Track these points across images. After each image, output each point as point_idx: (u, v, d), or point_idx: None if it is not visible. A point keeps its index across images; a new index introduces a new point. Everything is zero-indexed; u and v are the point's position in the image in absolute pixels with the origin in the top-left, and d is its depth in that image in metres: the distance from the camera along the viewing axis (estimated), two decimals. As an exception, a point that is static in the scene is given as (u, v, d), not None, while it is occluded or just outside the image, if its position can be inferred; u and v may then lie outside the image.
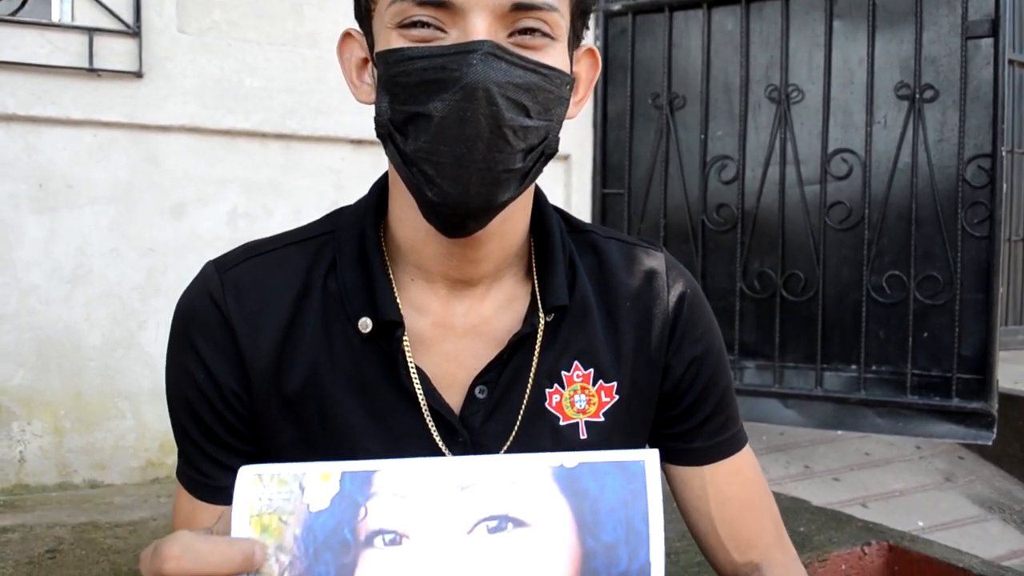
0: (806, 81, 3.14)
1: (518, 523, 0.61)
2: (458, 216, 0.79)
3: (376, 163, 3.08)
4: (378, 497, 0.60)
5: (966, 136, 2.90)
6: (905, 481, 3.63)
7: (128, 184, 2.84)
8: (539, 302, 0.91)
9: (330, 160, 3.07)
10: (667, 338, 0.97)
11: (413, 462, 0.62)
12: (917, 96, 2.97)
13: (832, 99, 3.10)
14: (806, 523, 2.45)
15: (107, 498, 2.75)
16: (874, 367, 3.08)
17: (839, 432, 3.25)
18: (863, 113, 3.05)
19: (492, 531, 0.61)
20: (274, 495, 0.60)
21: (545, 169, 0.85)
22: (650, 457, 0.62)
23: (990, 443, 2.95)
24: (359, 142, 3.08)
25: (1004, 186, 2.89)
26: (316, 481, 0.61)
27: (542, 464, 0.62)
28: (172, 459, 2.92)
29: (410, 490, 0.61)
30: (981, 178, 2.91)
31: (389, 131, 0.80)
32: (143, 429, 2.91)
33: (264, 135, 2.98)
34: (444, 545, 0.60)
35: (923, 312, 3.00)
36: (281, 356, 0.87)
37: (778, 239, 3.18)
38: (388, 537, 0.60)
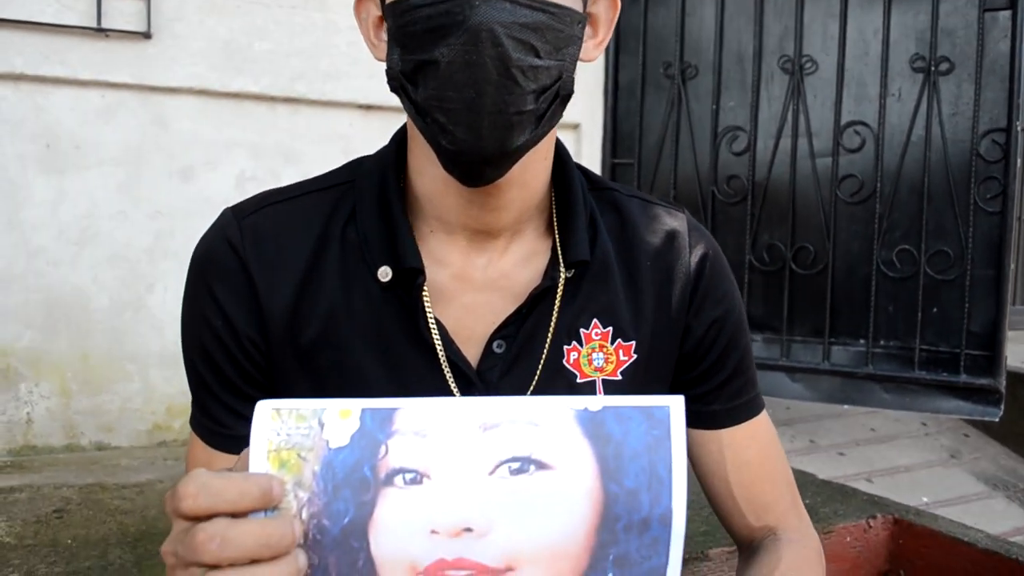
0: (820, 52, 3.11)
1: (540, 465, 0.60)
2: (475, 163, 0.77)
3: (385, 128, 3.05)
4: (399, 435, 0.59)
5: (981, 110, 2.88)
6: (910, 457, 3.63)
7: (136, 146, 2.83)
8: (559, 257, 0.90)
9: (338, 125, 3.05)
10: (688, 299, 0.95)
11: (435, 401, 0.61)
12: (932, 69, 2.94)
13: (846, 71, 3.07)
14: (811, 496, 2.45)
15: (114, 460, 2.76)
16: (882, 342, 3.07)
17: (845, 407, 3.24)
18: (877, 85, 3.02)
19: (514, 473, 0.60)
20: (292, 431, 0.59)
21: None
22: (675, 403, 0.61)
23: (997, 420, 2.94)
24: (368, 107, 3.06)
25: (1019, 161, 2.86)
26: (336, 417, 0.59)
27: (566, 407, 0.61)
28: (179, 423, 2.94)
29: (432, 429, 0.60)
30: (995, 153, 2.88)
31: (401, 83, 0.79)
32: (150, 392, 2.92)
33: (272, 99, 2.96)
34: (465, 485, 0.59)
35: (933, 287, 2.99)
36: (298, 305, 0.87)
37: (788, 212, 3.16)
38: (408, 476, 0.59)
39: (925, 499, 3.22)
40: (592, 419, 0.61)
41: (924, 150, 2.97)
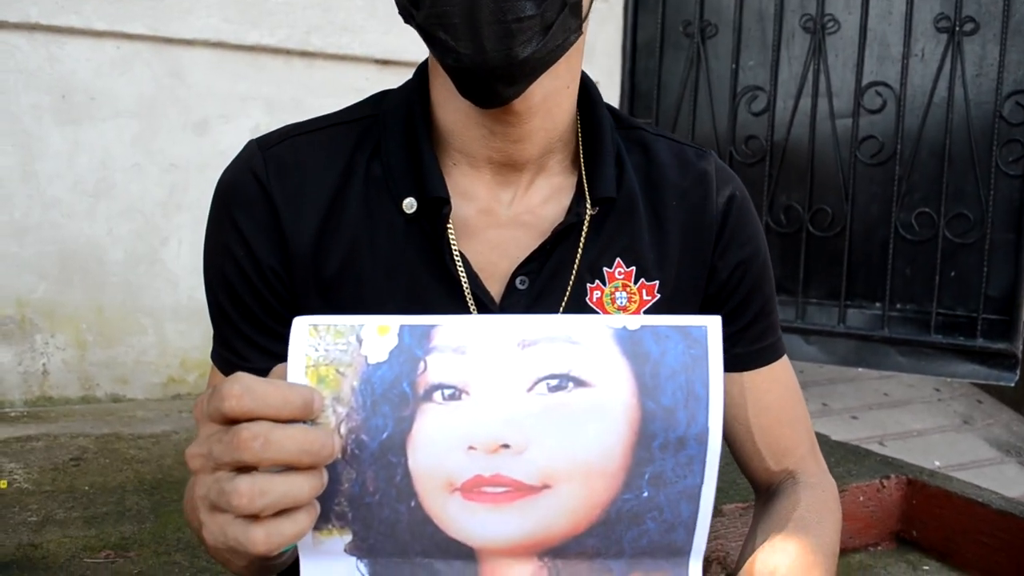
0: (842, 11, 3.06)
1: (579, 383, 0.60)
2: (484, 79, 0.76)
3: (401, 83, 3.03)
4: (438, 352, 0.59)
5: (1005, 71, 2.83)
6: (923, 422, 3.62)
7: (151, 98, 2.82)
8: (585, 193, 0.88)
9: (354, 79, 3.02)
10: (714, 240, 0.94)
11: (474, 318, 0.61)
12: (957, 29, 2.89)
13: (869, 30, 3.02)
14: (825, 455, 2.45)
15: (129, 412, 2.78)
16: (898, 305, 3.05)
17: (859, 370, 3.23)
18: (900, 45, 2.98)
19: (552, 390, 0.59)
20: (330, 346, 0.59)
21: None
22: (713, 323, 0.61)
23: (1012, 384, 2.93)
24: (384, 62, 3.03)
25: (1042, 123, 2.82)
26: (374, 334, 0.59)
27: (604, 325, 0.61)
28: (193, 376, 2.95)
29: (470, 346, 0.59)
30: (1019, 115, 2.84)
31: (407, 8, 0.78)
32: (165, 346, 2.93)
33: (288, 52, 2.94)
34: (504, 401, 0.59)
35: (951, 251, 2.96)
36: (322, 236, 0.86)
37: (807, 173, 3.13)
38: (447, 392, 0.59)
39: (937, 463, 3.21)
40: (630, 337, 0.60)
41: (946, 112, 2.93)
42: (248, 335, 0.88)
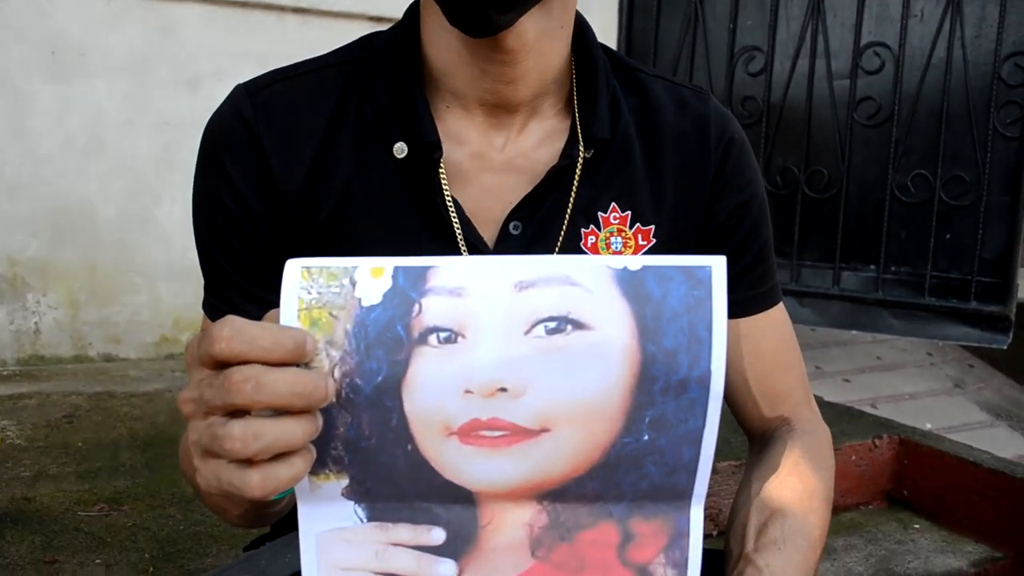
0: (842, -30, 3.03)
1: (577, 325, 0.58)
2: (474, 4, 0.74)
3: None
4: (433, 294, 0.58)
5: (1005, 33, 2.81)
6: (915, 385, 3.64)
7: (143, 54, 2.78)
8: (579, 136, 0.87)
9: (349, 37, 2.94)
10: (711, 183, 0.93)
11: (470, 259, 0.60)
12: (957, -12, 2.86)
13: (868, -10, 2.99)
14: (818, 416, 2.46)
15: (122, 371, 2.78)
16: (893, 268, 3.05)
17: (852, 333, 3.24)
18: (899, 6, 2.95)
19: (550, 332, 0.58)
20: (323, 289, 0.57)
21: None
22: (717, 263, 0.59)
23: (1005, 347, 2.93)
24: (379, 19, 3.00)
25: (1041, 85, 2.81)
26: (367, 276, 0.58)
27: (604, 265, 0.59)
28: (187, 336, 2.94)
29: (466, 287, 0.58)
30: (1017, 76, 2.82)
31: None
32: (158, 305, 2.91)
33: (282, 8, 2.90)
34: (500, 344, 0.58)
35: (947, 213, 2.95)
36: (312, 181, 0.84)
37: (803, 135, 3.12)
38: (443, 335, 0.58)
39: (929, 426, 3.23)
40: (631, 278, 0.59)
41: (945, 73, 2.91)
42: (239, 283, 0.87)
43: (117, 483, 1.86)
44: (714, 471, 2.10)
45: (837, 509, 2.24)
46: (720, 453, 2.14)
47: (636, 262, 0.59)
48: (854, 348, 3.81)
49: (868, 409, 3.16)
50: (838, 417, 2.48)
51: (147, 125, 2.82)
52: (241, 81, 0.88)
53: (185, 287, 2.90)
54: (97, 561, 1.52)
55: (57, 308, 2.82)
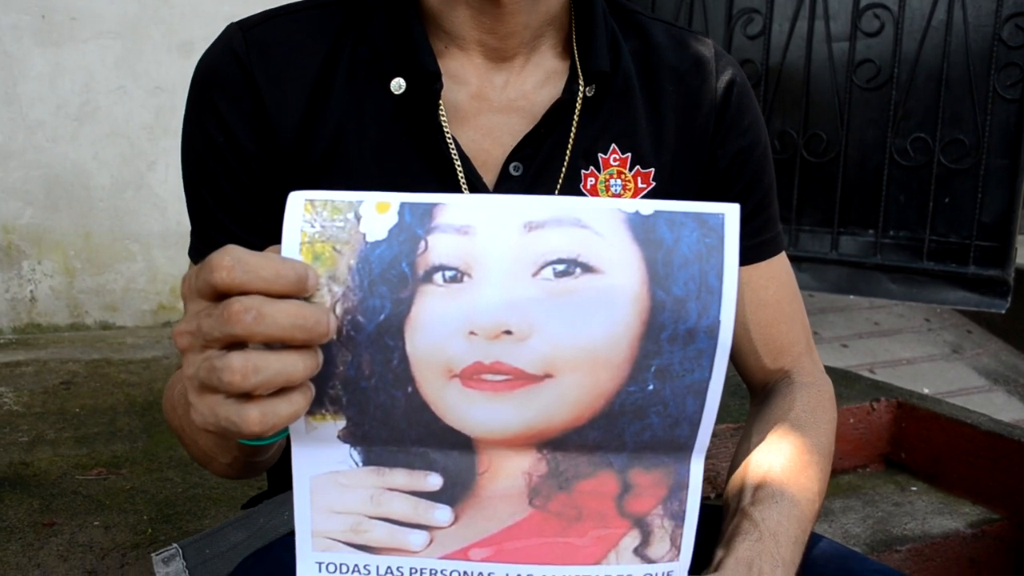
0: (842, -69, 2.99)
1: (586, 268, 0.57)
2: None
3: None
4: (439, 231, 0.56)
5: (1006, -7, 2.78)
6: (913, 351, 3.64)
7: (135, 18, 2.75)
8: (579, 73, 0.86)
9: (343, 1, 2.95)
10: (713, 127, 0.92)
11: (479, 197, 0.58)
12: (958, -51, 2.83)
13: (868, -50, 2.96)
14: (816, 379, 2.46)
15: (119, 338, 2.77)
16: (891, 232, 3.03)
17: (850, 299, 3.23)
18: (899, -34, 2.91)
19: (558, 275, 0.56)
20: (327, 223, 0.56)
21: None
22: (731, 211, 0.58)
23: (1003, 311, 2.93)
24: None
25: (1042, 47, 2.78)
26: (373, 211, 0.56)
27: (616, 209, 0.57)
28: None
29: (474, 226, 0.56)
30: (1018, 38, 2.79)
31: None
32: (154, 272, 2.90)
33: (274, -29, 2.86)
34: (507, 285, 0.56)
35: (946, 177, 2.93)
36: (307, 120, 0.83)
37: (802, 98, 3.09)
38: (448, 274, 0.56)
39: (926, 390, 3.23)
40: (643, 223, 0.57)
41: (944, 35, 2.88)
42: (230, 227, 0.85)
43: (115, 447, 1.86)
44: (713, 434, 2.10)
45: (835, 472, 2.24)
46: (719, 416, 2.14)
47: (648, 207, 0.58)
48: (852, 314, 3.81)
49: (866, 375, 3.17)
50: (836, 381, 2.46)
51: (140, 90, 2.79)
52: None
53: (181, 254, 2.88)
54: (96, 523, 1.52)
55: (53, 276, 2.81)
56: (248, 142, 0.83)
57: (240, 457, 0.75)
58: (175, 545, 1.03)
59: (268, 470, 0.96)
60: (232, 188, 0.84)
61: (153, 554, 1.03)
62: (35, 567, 1.37)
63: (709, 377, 0.59)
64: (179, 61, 2.79)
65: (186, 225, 0.91)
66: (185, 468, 1.76)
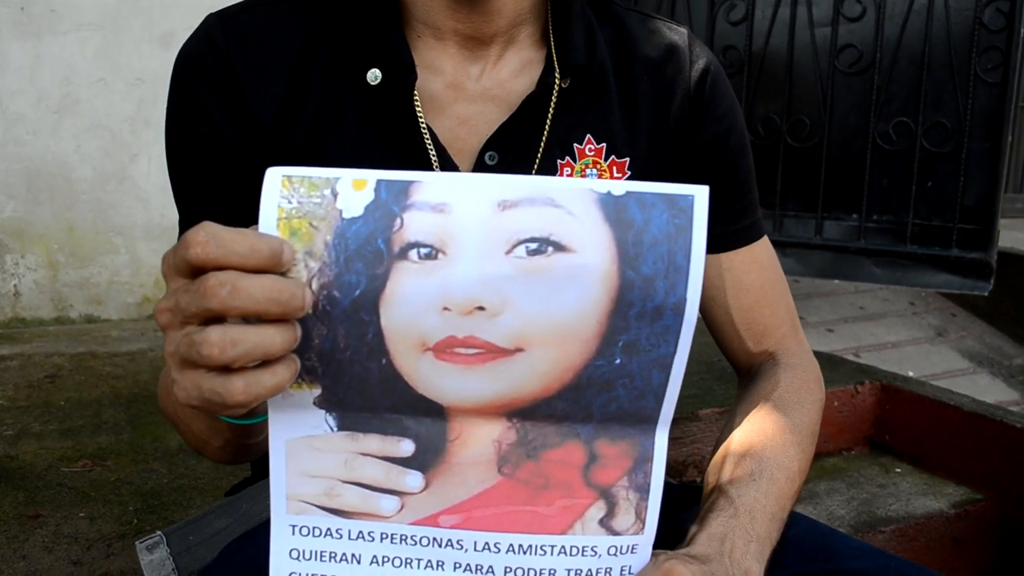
0: (823, -84, 2.99)
1: (558, 247, 0.58)
2: None
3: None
4: (415, 209, 0.57)
5: (986, -23, 2.79)
6: (897, 334, 3.67)
7: (114, 10, 2.73)
8: (555, 64, 0.86)
9: None
10: (687, 115, 0.92)
11: (455, 175, 0.59)
12: (938, -67, 2.84)
13: (849, -65, 2.96)
14: (800, 363, 2.47)
15: (104, 331, 2.76)
16: (875, 216, 3.05)
17: (834, 283, 3.25)
18: (880, -49, 2.92)
19: (531, 253, 0.58)
20: (304, 199, 0.57)
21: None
22: (700, 192, 0.59)
23: (986, 293, 2.95)
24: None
25: (1023, 30, 2.79)
26: (349, 187, 0.57)
27: (589, 189, 0.59)
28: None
29: (449, 204, 0.58)
30: (998, 21, 2.80)
31: None
32: (138, 265, 2.89)
33: (255, -39, 2.85)
34: (480, 262, 0.58)
35: (928, 160, 2.95)
36: (285, 110, 0.84)
37: (785, 84, 3.09)
38: (423, 250, 0.57)
39: (911, 373, 3.25)
40: (614, 203, 0.58)
41: (926, 19, 2.89)
42: (214, 214, 0.86)
43: (100, 440, 1.86)
44: (697, 418, 2.11)
45: (819, 455, 2.26)
46: (703, 400, 2.16)
47: (620, 187, 0.59)
48: (837, 299, 3.83)
49: (851, 359, 3.19)
50: (820, 364, 2.47)
51: (121, 82, 2.78)
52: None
53: (165, 247, 2.86)
54: (81, 515, 1.52)
55: (36, 270, 2.80)
56: (229, 131, 0.83)
57: (232, 439, 0.76)
58: (159, 533, 1.03)
59: (251, 457, 0.97)
60: (216, 176, 0.85)
61: (137, 542, 1.03)
62: (20, 559, 1.37)
63: (674, 352, 0.60)
64: (160, 52, 2.77)
65: (170, 217, 0.92)
66: (171, 459, 1.76)
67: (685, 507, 0.90)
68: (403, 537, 0.65)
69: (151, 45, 2.77)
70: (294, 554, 0.65)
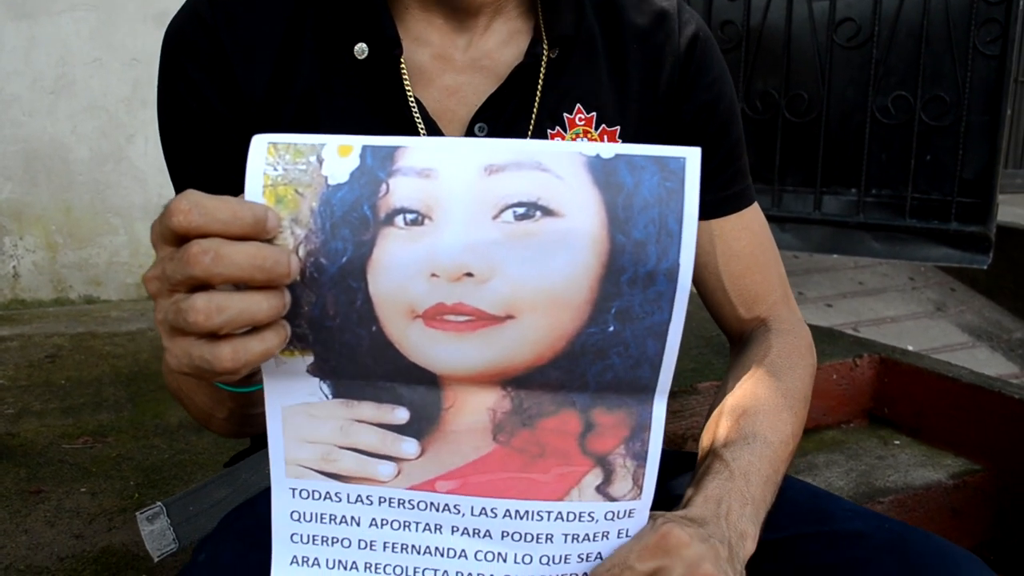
0: None
1: (547, 212, 0.57)
2: None
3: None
4: (401, 174, 0.57)
5: (985, -52, 2.77)
6: (897, 309, 3.67)
7: (108, -11, 2.72)
8: (543, 34, 0.86)
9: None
10: (677, 82, 0.92)
11: (439, 140, 0.59)
12: (937, -96, 2.82)
13: (847, -93, 2.94)
14: (799, 337, 2.47)
15: (104, 312, 2.77)
16: (874, 191, 3.04)
17: (834, 258, 3.25)
18: (879, -78, 2.90)
19: (519, 218, 0.57)
20: (289, 166, 0.57)
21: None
22: (691, 155, 0.58)
23: (985, 267, 2.95)
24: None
25: (1021, 2, 2.78)
26: (335, 154, 0.57)
27: (577, 152, 0.58)
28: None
29: (435, 169, 0.57)
30: (997, -7, 2.79)
31: None
32: (137, 245, 2.89)
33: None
34: (468, 228, 0.57)
35: (927, 134, 2.94)
36: (274, 84, 0.84)
37: (783, 58, 3.08)
38: (409, 216, 0.57)
39: (910, 347, 3.25)
40: (603, 166, 0.58)
41: (924, -9, 2.87)
42: (207, 188, 0.86)
43: (101, 417, 1.86)
44: (696, 392, 2.11)
45: (818, 428, 2.27)
46: (702, 374, 2.16)
47: (609, 150, 0.58)
48: (837, 274, 3.83)
49: (850, 332, 3.19)
50: (819, 338, 2.49)
51: (116, 62, 2.77)
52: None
53: (163, 227, 2.87)
54: (83, 490, 1.53)
55: (35, 251, 2.80)
56: (220, 105, 0.84)
57: (235, 409, 0.76)
58: (159, 503, 1.04)
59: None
60: (208, 150, 0.86)
61: (137, 513, 1.04)
62: (22, 532, 1.38)
63: (669, 319, 0.60)
64: (155, 32, 2.76)
65: (168, 197, 0.92)
66: (171, 435, 1.77)
67: (679, 473, 0.90)
68: (401, 501, 0.65)
69: (146, 25, 2.76)
70: (295, 516, 0.66)
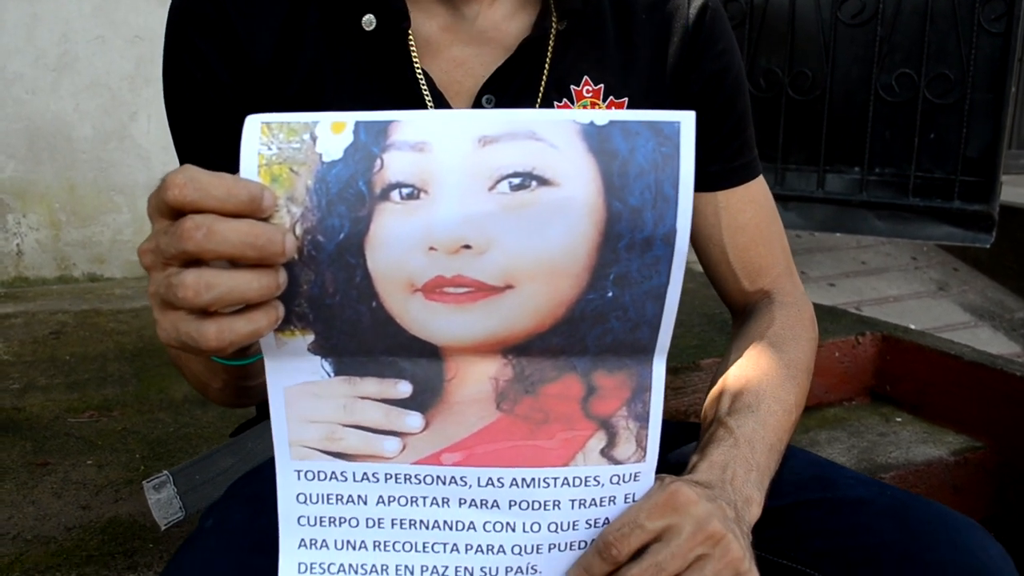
0: None
1: (542, 181, 0.57)
2: None
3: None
4: (395, 149, 0.57)
5: (991, -76, 2.76)
6: (899, 288, 3.67)
7: (110, -35, 2.72)
8: (551, 7, 0.86)
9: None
10: (685, 53, 0.92)
11: (432, 113, 0.59)
12: None
13: None
14: (802, 315, 2.47)
15: (108, 290, 2.77)
16: (877, 169, 3.04)
17: (836, 237, 3.25)
18: (884, -101, 2.88)
19: (515, 188, 0.57)
20: (284, 144, 0.57)
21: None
22: (686, 119, 0.58)
23: (988, 246, 2.94)
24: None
25: (1026, -21, 2.76)
26: (328, 131, 0.57)
27: (570, 120, 0.58)
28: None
29: (429, 142, 0.57)
30: (1003, -30, 2.77)
31: None
32: (140, 223, 2.89)
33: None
34: (464, 200, 0.57)
35: (931, 112, 2.93)
36: (280, 54, 0.84)
37: (787, 36, 3.07)
38: (405, 191, 0.57)
39: (913, 326, 3.26)
40: (598, 133, 0.57)
41: (929, -32, 2.86)
42: (210, 158, 0.86)
43: (106, 392, 1.87)
44: (698, 368, 2.12)
45: (820, 405, 2.28)
46: (705, 351, 2.17)
47: (603, 117, 0.58)
48: (839, 253, 3.83)
49: (853, 311, 3.19)
50: (821, 317, 2.46)
51: (119, 40, 2.76)
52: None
53: (167, 205, 2.87)
54: (88, 462, 1.54)
55: (39, 229, 2.80)
56: (225, 75, 0.84)
57: (230, 381, 0.77)
58: (165, 472, 1.05)
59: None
60: (214, 121, 0.86)
61: (144, 482, 1.05)
62: (30, 504, 1.39)
63: (667, 283, 0.60)
64: (158, 9, 2.75)
65: (172, 176, 0.93)
66: (176, 409, 1.78)
67: (684, 443, 0.91)
68: (407, 477, 0.65)
69: (149, 2, 2.75)
70: (301, 498, 0.65)
